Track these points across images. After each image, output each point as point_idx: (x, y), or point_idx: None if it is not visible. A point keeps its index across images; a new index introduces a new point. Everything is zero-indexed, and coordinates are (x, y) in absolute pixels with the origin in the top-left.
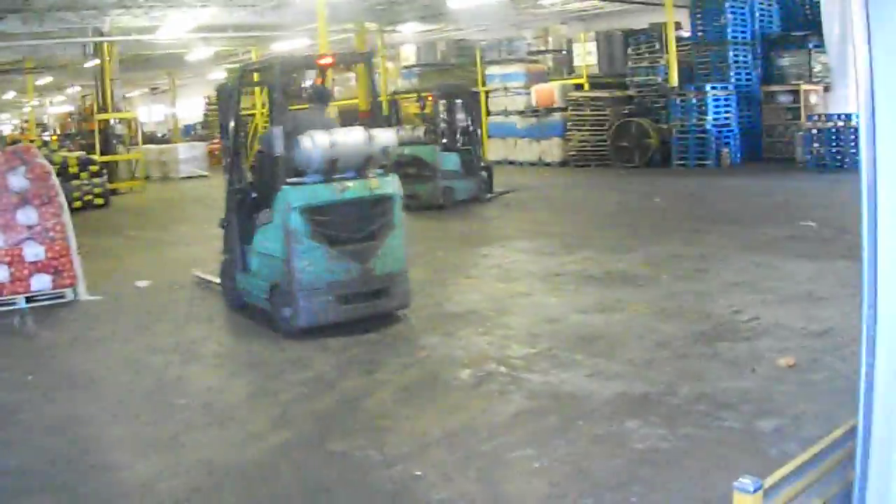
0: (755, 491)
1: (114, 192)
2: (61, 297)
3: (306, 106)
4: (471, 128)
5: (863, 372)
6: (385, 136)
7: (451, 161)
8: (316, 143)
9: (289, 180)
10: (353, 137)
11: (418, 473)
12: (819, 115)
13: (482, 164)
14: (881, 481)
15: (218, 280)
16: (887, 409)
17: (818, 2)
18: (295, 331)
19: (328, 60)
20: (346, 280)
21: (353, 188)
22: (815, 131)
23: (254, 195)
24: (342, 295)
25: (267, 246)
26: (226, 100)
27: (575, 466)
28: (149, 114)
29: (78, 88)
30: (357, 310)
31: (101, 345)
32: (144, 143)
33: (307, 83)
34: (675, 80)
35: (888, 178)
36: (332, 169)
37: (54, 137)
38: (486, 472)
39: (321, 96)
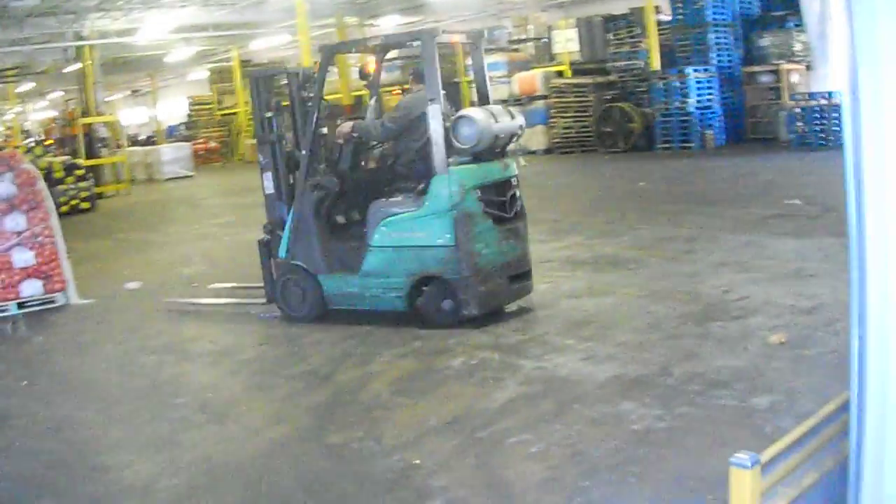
0: (752, 466)
1: (100, 195)
2: (52, 301)
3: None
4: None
5: (854, 345)
6: (520, 115)
7: None
8: (483, 121)
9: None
10: (504, 116)
11: (417, 462)
12: (801, 94)
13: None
14: (876, 453)
15: (217, 300)
16: (880, 382)
17: None
18: (462, 321)
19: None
20: (512, 260)
21: (510, 166)
22: (797, 110)
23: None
24: (511, 275)
25: (407, 237)
26: (262, 88)
27: (572, 449)
28: (131, 116)
29: (60, 93)
30: (519, 290)
31: (95, 347)
32: (128, 145)
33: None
34: (656, 63)
35: (873, 155)
36: (493, 147)
37: (49, 141)
38: (483, 458)
39: (422, 77)
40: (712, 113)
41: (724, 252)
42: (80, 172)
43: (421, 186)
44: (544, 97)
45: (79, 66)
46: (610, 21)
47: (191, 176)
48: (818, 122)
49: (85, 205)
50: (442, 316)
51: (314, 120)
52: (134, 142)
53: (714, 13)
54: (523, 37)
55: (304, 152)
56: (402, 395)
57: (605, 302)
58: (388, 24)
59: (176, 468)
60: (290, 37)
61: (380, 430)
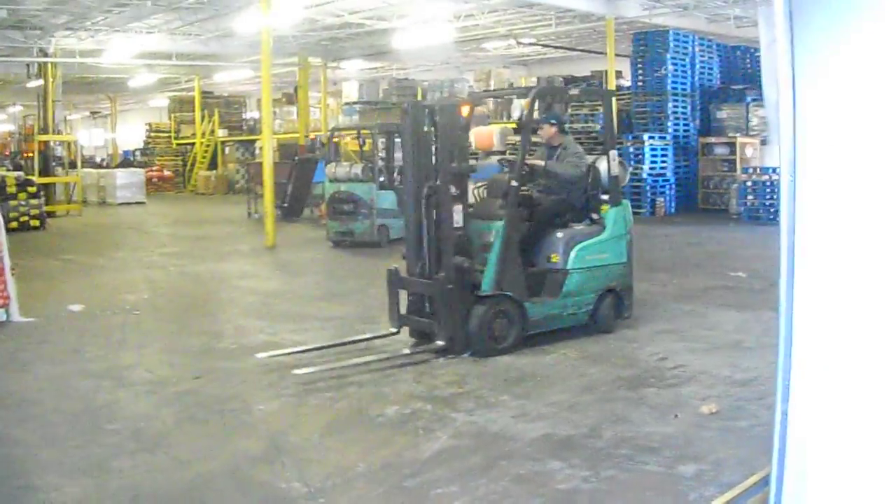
0: None
1: (50, 214)
2: None
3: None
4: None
5: (777, 420)
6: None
7: (388, 199)
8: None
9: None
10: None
11: None
12: (754, 168)
13: None
14: None
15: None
16: (798, 457)
17: (758, 56)
18: (626, 320)
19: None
20: None
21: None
22: (749, 183)
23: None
24: None
25: (597, 258)
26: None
27: None
28: (89, 137)
29: (19, 108)
30: None
31: (32, 367)
32: (83, 166)
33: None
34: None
35: (805, 234)
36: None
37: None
38: None
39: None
40: (665, 181)
41: (665, 320)
42: (32, 189)
43: (595, 216)
44: (500, 153)
45: (41, 82)
46: (570, 83)
47: (143, 203)
48: (769, 196)
49: (35, 222)
50: (618, 319)
51: (524, 152)
52: (89, 163)
53: (674, 83)
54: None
55: (514, 184)
56: (332, 438)
57: (542, 361)
58: (352, 67)
59: (103, 494)
60: (252, 72)
61: (309, 471)
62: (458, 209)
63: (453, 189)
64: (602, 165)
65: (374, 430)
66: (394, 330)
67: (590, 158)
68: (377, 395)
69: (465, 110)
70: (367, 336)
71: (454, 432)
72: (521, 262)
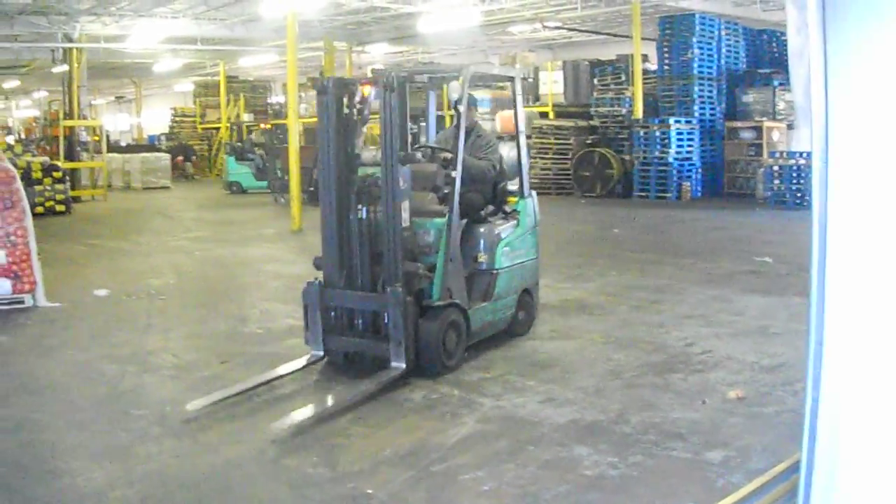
0: None
1: (76, 199)
2: (20, 302)
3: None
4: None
5: (808, 407)
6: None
7: None
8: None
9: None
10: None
11: (369, 491)
12: (781, 153)
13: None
14: None
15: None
16: (830, 445)
17: (784, 40)
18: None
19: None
20: None
21: None
22: (776, 168)
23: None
24: None
25: (518, 255)
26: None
27: (523, 490)
28: (114, 122)
29: (45, 93)
30: None
31: (58, 352)
32: (108, 151)
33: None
34: (639, 112)
35: (839, 215)
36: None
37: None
38: (435, 492)
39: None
40: (691, 165)
41: (691, 305)
42: (58, 175)
43: (507, 209)
44: (526, 137)
45: (66, 67)
46: (597, 66)
47: (168, 187)
48: (795, 181)
49: (60, 207)
50: (531, 319)
51: (458, 142)
52: (114, 148)
53: (700, 66)
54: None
55: (454, 175)
56: (360, 424)
57: (569, 346)
58: (377, 51)
59: (130, 479)
60: (277, 56)
61: (336, 457)
62: (405, 206)
63: (402, 181)
64: (510, 153)
65: (401, 414)
66: (318, 354)
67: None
68: (402, 378)
69: (366, 90)
70: (286, 372)
71: (481, 417)
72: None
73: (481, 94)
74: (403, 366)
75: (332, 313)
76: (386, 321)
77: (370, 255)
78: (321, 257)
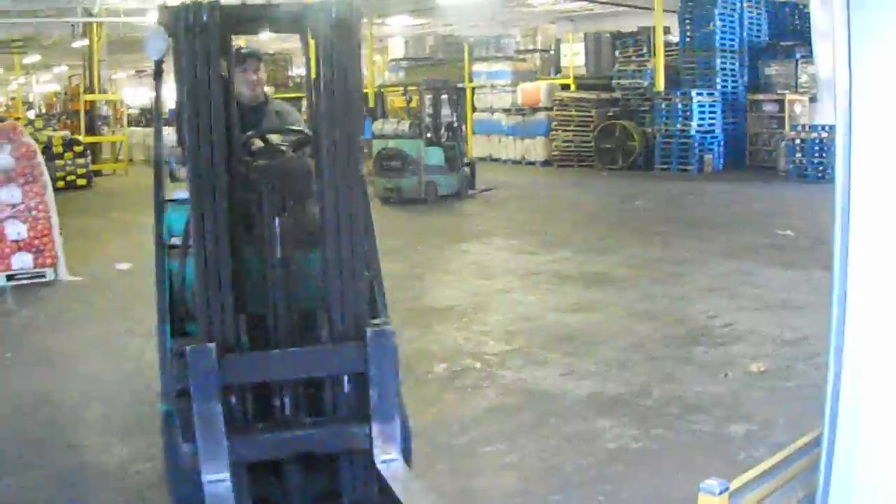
0: (721, 493)
1: (97, 173)
2: (42, 276)
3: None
4: (455, 123)
5: (830, 381)
6: None
7: (435, 156)
8: None
9: None
10: None
11: None
12: (803, 126)
13: (466, 160)
14: (843, 490)
15: None
16: (852, 419)
17: (807, 12)
18: None
19: None
20: None
21: None
22: (798, 141)
23: None
24: None
25: None
26: None
27: (545, 463)
28: (134, 96)
29: (65, 68)
30: None
31: (80, 325)
32: (129, 125)
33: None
34: (661, 84)
35: (862, 189)
36: None
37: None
38: (456, 465)
39: None
40: (713, 137)
41: (713, 277)
42: (78, 149)
43: None
44: (547, 109)
45: (85, 42)
46: (618, 38)
47: None
48: (818, 154)
49: (81, 182)
50: None
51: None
52: (134, 122)
53: (722, 39)
54: (531, 47)
55: None
56: None
57: (591, 318)
58: (397, 24)
59: (151, 454)
60: None
61: None
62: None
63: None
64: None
65: (423, 387)
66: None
67: None
68: (424, 351)
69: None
70: None
71: (503, 390)
72: None
73: (498, 66)
74: (399, 458)
75: (241, 399)
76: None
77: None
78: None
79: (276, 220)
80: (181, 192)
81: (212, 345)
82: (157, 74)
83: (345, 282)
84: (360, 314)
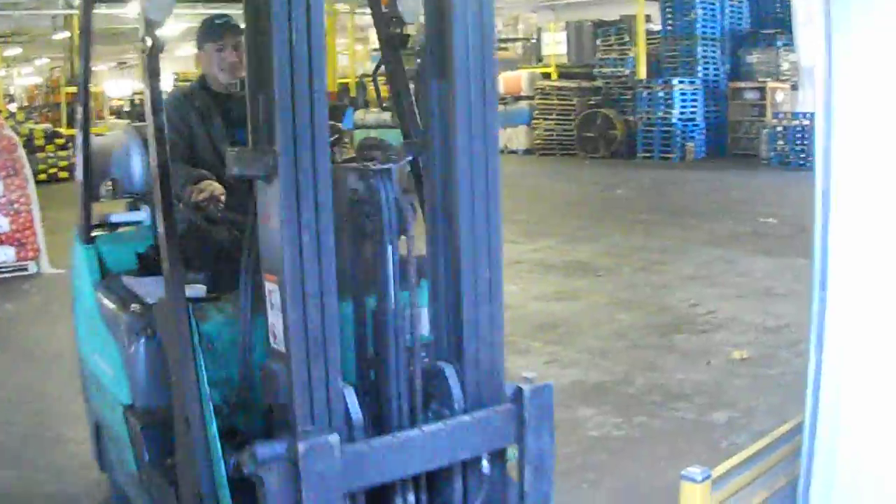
0: (703, 480)
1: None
2: (24, 269)
3: None
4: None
5: (811, 368)
6: None
7: None
8: None
9: None
10: None
11: None
12: (785, 113)
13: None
14: (825, 476)
15: None
16: (833, 406)
17: (789, 0)
18: None
19: None
20: None
21: None
22: (780, 129)
23: None
24: None
25: None
26: None
27: None
28: (116, 88)
29: (46, 60)
30: None
31: (63, 319)
32: (113, 117)
33: None
34: (642, 72)
35: (842, 177)
36: None
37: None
38: None
39: None
40: (695, 125)
41: (696, 265)
42: (60, 141)
43: None
44: (529, 98)
45: (67, 34)
46: (599, 27)
47: None
48: (799, 141)
49: (63, 174)
50: None
51: None
52: (117, 114)
53: (704, 27)
54: (512, 36)
55: None
56: None
57: (573, 307)
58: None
59: None
60: None
61: None
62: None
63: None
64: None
65: None
66: None
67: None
68: None
69: None
70: None
71: None
72: None
73: None
74: None
75: None
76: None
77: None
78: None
79: (390, 248)
80: (122, 213)
81: (333, 438)
82: (154, 53)
83: (482, 326)
84: (498, 367)
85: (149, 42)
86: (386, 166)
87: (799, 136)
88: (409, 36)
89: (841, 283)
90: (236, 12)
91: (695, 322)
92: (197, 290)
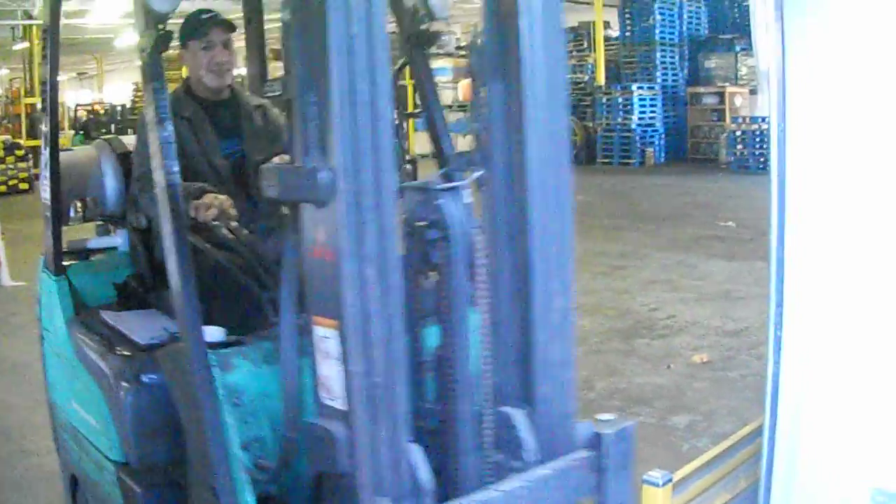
0: (664, 484)
1: (39, 177)
2: None
3: None
4: (396, 121)
5: (770, 371)
6: None
7: None
8: None
9: None
10: None
11: None
12: (743, 118)
13: (407, 157)
14: (785, 479)
15: None
16: (792, 408)
17: (746, 5)
18: None
19: None
20: None
21: None
22: (738, 133)
23: None
24: None
25: None
26: None
27: None
28: (77, 99)
29: (6, 71)
30: None
31: (24, 331)
32: (72, 128)
33: None
34: (601, 78)
35: (797, 180)
36: None
37: None
38: None
39: None
40: (654, 131)
41: (656, 270)
42: (20, 153)
43: None
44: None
45: (26, 45)
46: None
47: None
48: (758, 145)
49: (24, 185)
50: None
51: None
52: (78, 124)
53: (662, 32)
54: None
55: None
56: None
57: None
58: None
59: None
60: (241, 28)
61: None
62: None
63: None
64: None
65: None
66: None
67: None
68: None
69: None
70: None
71: None
72: None
73: (440, 63)
74: None
75: None
76: None
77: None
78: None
79: (458, 280)
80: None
81: None
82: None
83: (555, 363)
84: (570, 408)
85: (150, 39)
86: (454, 184)
87: (758, 140)
88: (437, 34)
89: (798, 285)
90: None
91: (655, 326)
92: (214, 332)
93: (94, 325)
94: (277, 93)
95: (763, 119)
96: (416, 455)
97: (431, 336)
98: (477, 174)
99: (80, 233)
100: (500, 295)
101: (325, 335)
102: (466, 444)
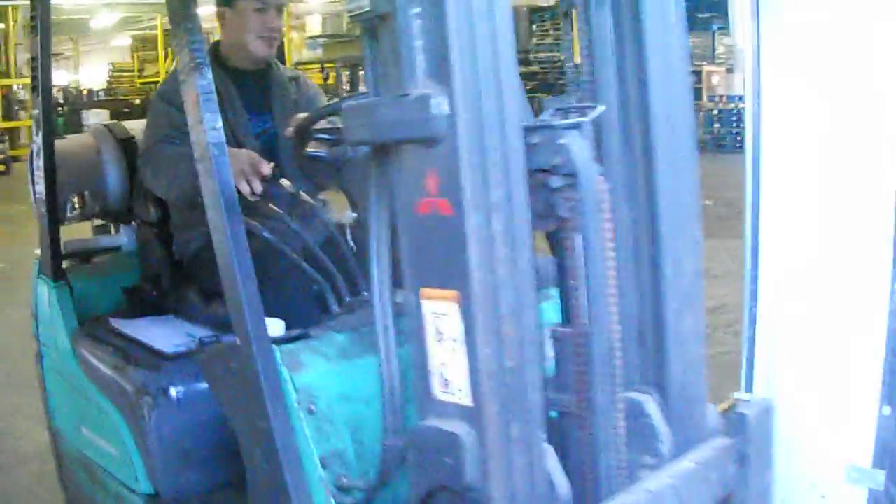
0: None
1: (15, 158)
2: None
3: None
4: None
5: (745, 348)
6: None
7: None
8: None
9: None
10: None
11: None
12: (720, 97)
13: None
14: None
15: None
16: (766, 384)
17: None
18: None
19: None
20: None
21: None
22: (715, 112)
23: None
24: None
25: None
26: None
27: None
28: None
29: None
30: None
31: (3, 312)
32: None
33: None
34: (578, 57)
35: (771, 157)
36: None
37: None
38: None
39: None
40: None
41: None
42: None
43: None
44: None
45: (1, 26)
46: (535, 12)
47: None
48: (735, 124)
49: (0, 167)
50: None
51: None
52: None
53: None
54: None
55: None
56: None
57: None
58: (315, 1)
59: None
60: (215, 7)
61: None
62: None
63: None
64: None
65: None
66: None
67: None
68: None
69: None
70: None
71: None
72: None
73: None
74: None
75: None
76: None
77: None
78: None
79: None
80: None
81: None
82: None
83: (688, 340)
84: (703, 391)
85: None
86: (576, 120)
87: (734, 119)
88: None
89: (773, 263)
90: None
91: None
92: (272, 325)
93: (105, 336)
94: (365, 8)
95: (740, 98)
96: (552, 458)
97: (549, 310)
98: (599, 109)
99: (76, 233)
100: (620, 257)
101: (439, 311)
102: (594, 438)
